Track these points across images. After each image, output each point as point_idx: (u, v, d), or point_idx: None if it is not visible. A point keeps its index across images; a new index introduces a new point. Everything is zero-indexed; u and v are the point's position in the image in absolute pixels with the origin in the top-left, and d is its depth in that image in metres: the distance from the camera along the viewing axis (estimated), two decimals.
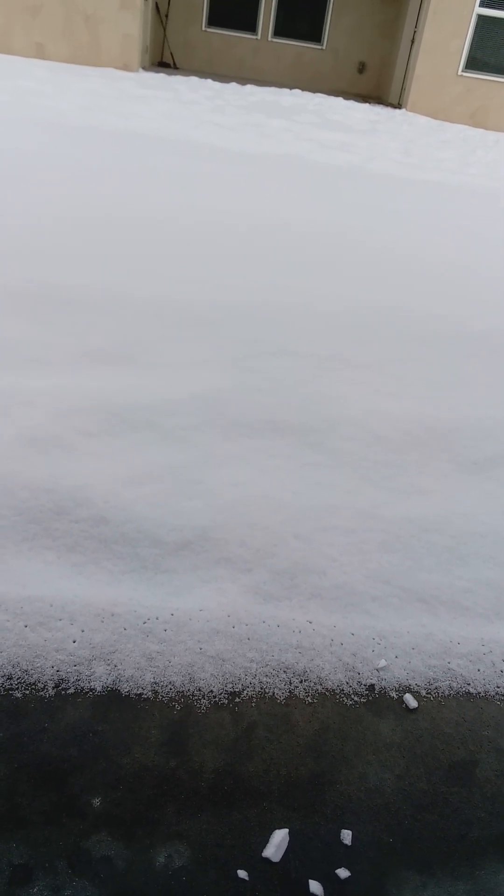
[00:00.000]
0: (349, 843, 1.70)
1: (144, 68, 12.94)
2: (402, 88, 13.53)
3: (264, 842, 1.68)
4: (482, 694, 2.18)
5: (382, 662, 2.20)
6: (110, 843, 1.63)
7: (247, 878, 1.60)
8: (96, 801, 1.71)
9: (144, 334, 3.58)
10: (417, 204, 6.62)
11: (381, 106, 13.32)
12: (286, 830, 1.70)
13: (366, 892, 1.61)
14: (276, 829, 1.70)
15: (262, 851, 1.65)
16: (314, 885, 1.60)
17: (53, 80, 9.71)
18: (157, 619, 2.19)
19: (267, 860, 1.64)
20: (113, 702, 1.96)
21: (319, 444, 3.01)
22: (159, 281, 4.08)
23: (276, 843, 1.66)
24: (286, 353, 3.61)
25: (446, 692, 2.17)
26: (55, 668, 2.02)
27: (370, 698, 2.10)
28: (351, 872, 1.64)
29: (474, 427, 3.24)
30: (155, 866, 1.60)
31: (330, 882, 1.62)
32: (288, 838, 1.69)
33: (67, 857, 1.59)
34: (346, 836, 1.72)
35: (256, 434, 3.01)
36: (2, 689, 1.94)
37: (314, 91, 13.34)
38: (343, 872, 1.64)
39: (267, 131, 8.74)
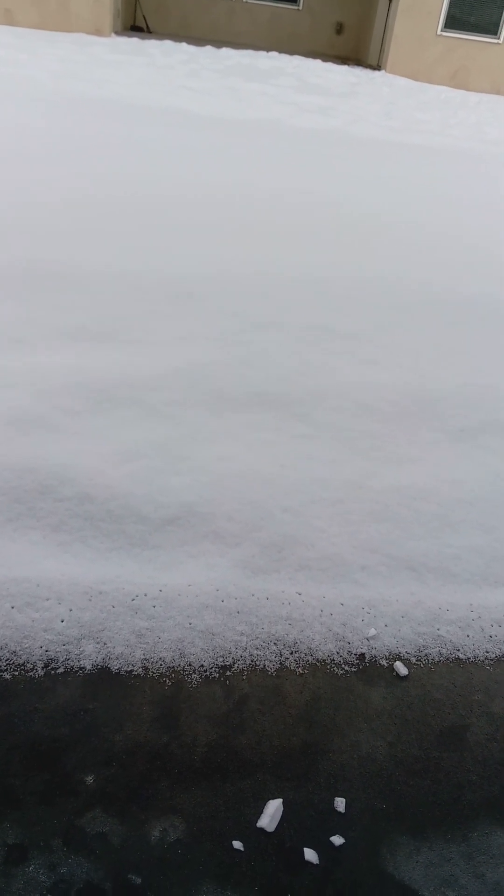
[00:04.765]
0: (343, 811, 1.72)
1: (117, 33, 12.58)
2: (381, 49, 13.25)
3: (258, 812, 1.69)
4: (471, 659, 2.20)
5: (372, 631, 2.20)
6: (105, 820, 1.63)
7: (242, 849, 1.61)
8: (90, 779, 1.71)
9: (127, 310, 3.52)
10: (400, 168, 6.52)
11: (360, 68, 13.07)
12: (280, 800, 1.71)
13: (360, 858, 1.63)
14: (269, 799, 1.72)
15: (256, 822, 1.66)
16: (309, 853, 1.62)
17: (23, 46, 9.41)
18: (145, 595, 2.18)
19: (262, 830, 1.65)
20: (103, 680, 1.96)
21: (307, 416, 2.98)
22: (140, 255, 4.00)
23: (271, 814, 1.67)
24: (271, 325, 3.56)
25: (436, 659, 2.18)
26: (44, 648, 2.01)
27: (361, 667, 2.11)
28: (345, 839, 1.66)
29: (461, 395, 3.22)
30: (150, 841, 1.61)
31: (325, 849, 1.64)
32: (282, 808, 1.70)
33: (62, 835, 1.59)
34: (340, 803, 1.73)
35: (243, 408, 2.97)
36: None
37: (291, 53, 13.04)
38: (337, 839, 1.65)
39: (244, 96, 8.55)
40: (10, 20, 11.42)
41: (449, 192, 6.08)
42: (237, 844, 1.62)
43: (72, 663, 1.99)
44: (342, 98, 9.47)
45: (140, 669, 2.00)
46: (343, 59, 14.19)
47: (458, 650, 2.22)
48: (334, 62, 12.86)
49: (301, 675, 2.06)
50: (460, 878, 1.62)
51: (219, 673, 2.03)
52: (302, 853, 1.62)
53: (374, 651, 2.17)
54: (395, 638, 2.21)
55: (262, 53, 12.39)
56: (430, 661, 2.17)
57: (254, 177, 5.54)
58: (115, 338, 3.31)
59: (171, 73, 9.33)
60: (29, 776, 1.70)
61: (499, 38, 12.81)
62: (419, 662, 2.16)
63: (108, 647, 2.04)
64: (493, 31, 12.77)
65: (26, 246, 3.86)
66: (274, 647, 2.12)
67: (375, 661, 2.14)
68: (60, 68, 8.37)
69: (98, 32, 11.70)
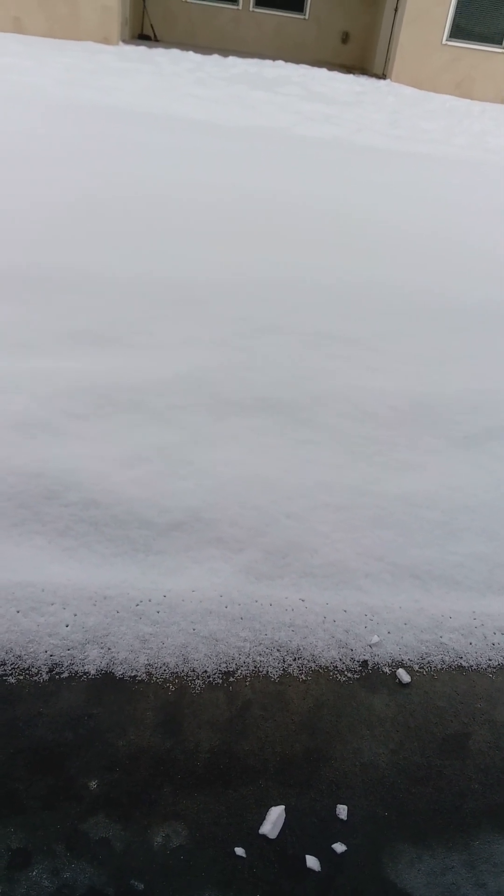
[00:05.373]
0: (345, 818, 1.72)
1: (124, 41, 12.66)
2: (387, 58, 13.30)
3: (261, 819, 1.69)
4: (474, 667, 2.20)
5: (375, 638, 2.21)
6: (108, 825, 1.64)
7: (244, 856, 1.61)
8: (93, 784, 1.72)
9: (130, 314, 3.53)
10: (405, 176, 6.54)
11: (366, 76, 13.12)
12: (282, 807, 1.71)
13: (362, 865, 1.63)
14: (272, 806, 1.72)
15: (259, 828, 1.67)
16: (311, 860, 1.62)
17: (31, 54, 9.48)
18: (149, 601, 2.19)
19: (264, 837, 1.65)
20: (107, 685, 1.96)
21: (310, 422, 2.99)
22: (144, 259, 4.02)
23: (273, 820, 1.67)
24: (275, 330, 3.57)
25: (439, 666, 2.18)
26: (49, 652, 2.02)
27: (363, 674, 2.11)
28: (347, 846, 1.66)
29: (464, 401, 3.23)
30: (153, 846, 1.61)
31: (326, 856, 1.64)
32: (284, 815, 1.70)
33: (66, 839, 1.60)
34: (342, 810, 1.73)
35: (246, 412, 2.98)
36: None
37: (297, 62, 13.09)
38: (339, 847, 1.65)
39: (250, 104, 8.59)
40: (19, 28, 11.51)
41: (453, 199, 6.10)
42: (239, 851, 1.62)
43: (76, 668, 1.99)
44: (347, 107, 9.52)
45: (144, 675, 2.00)
46: (348, 68, 14.25)
47: (461, 658, 2.22)
48: (340, 71, 12.91)
49: (304, 681, 2.06)
50: (462, 887, 1.62)
51: (222, 679, 2.03)
52: (304, 860, 1.62)
53: (376, 658, 2.17)
54: (397, 645, 2.21)
55: (269, 62, 12.45)
56: (433, 668, 2.17)
57: (258, 183, 5.57)
58: (118, 342, 3.33)
59: (178, 80, 9.38)
60: (33, 780, 1.70)
61: None
62: (422, 670, 2.16)
63: (112, 653, 2.04)
64: (499, 41, 12.81)
65: (30, 249, 3.88)
66: (277, 654, 2.12)
67: (378, 668, 2.14)
68: (68, 76, 8.43)
69: (106, 41, 11.78)
